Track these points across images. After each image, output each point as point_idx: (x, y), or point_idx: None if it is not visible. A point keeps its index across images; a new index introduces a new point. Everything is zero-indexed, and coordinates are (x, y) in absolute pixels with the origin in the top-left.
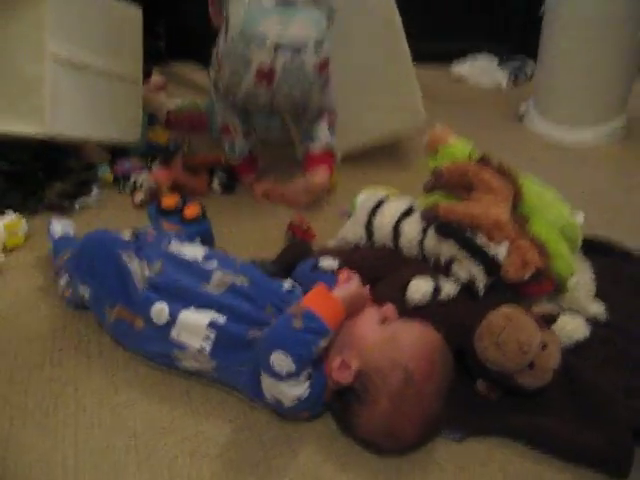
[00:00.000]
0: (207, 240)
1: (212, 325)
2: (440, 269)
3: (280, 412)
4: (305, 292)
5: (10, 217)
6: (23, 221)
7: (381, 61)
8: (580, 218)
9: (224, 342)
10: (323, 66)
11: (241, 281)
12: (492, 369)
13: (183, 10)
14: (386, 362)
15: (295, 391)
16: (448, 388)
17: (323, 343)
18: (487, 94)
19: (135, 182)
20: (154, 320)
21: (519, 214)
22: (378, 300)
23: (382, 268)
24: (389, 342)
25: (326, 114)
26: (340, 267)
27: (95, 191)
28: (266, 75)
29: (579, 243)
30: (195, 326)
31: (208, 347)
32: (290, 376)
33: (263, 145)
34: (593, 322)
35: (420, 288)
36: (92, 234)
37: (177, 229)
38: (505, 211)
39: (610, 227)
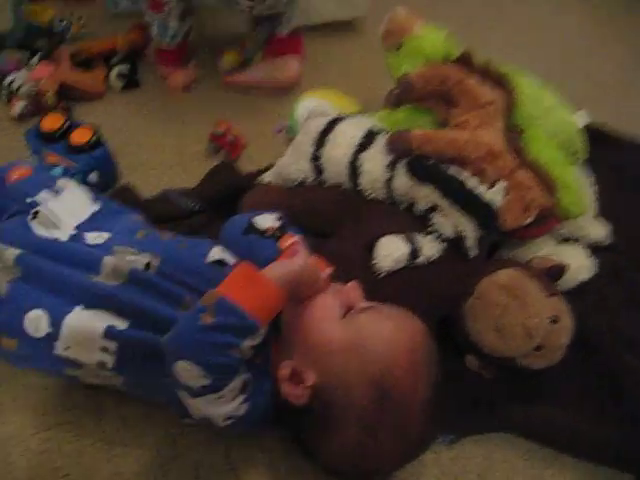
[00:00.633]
0: (105, 173)
1: (109, 334)
2: (417, 218)
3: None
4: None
5: None
6: None
7: None
8: (584, 119)
9: (130, 353)
10: None
11: (145, 263)
12: (489, 354)
13: None
14: (353, 375)
15: (221, 409)
16: (436, 396)
17: (248, 342)
18: None
19: (11, 84)
20: (30, 333)
21: (513, 127)
22: (334, 264)
23: (337, 218)
24: (355, 346)
25: None
26: (282, 226)
27: None
28: None
29: (583, 154)
30: (86, 336)
31: (110, 361)
32: (206, 391)
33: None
34: (595, 247)
35: (392, 251)
36: None
37: (64, 162)
38: (499, 134)
39: None
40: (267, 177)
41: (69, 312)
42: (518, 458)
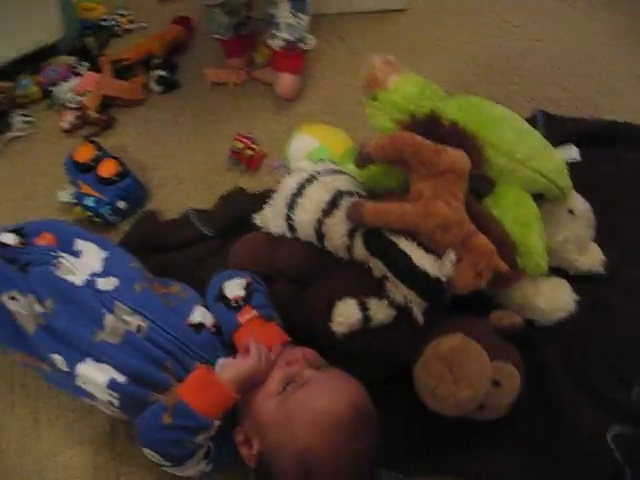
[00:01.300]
0: (133, 198)
1: (112, 385)
2: (376, 281)
3: None
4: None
5: None
6: None
7: None
8: (573, 154)
9: (129, 402)
10: None
11: (137, 326)
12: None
13: None
14: (282, 450)
15: (188, 472)
16: (371, 460)
17: (202, 436)
18: None
19: (61, 95)
20: (57, 365)
21: (484, 180)
22: (301, 314)
23: (309, 272)
24: (285, 423)
25: None
26: (248, 295)
27: (17, 118)
28: None
29: (565, 195)
30: (95, 384)
31: (116, 402)
32: (170, 467)
33: None
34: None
35: (346, 317)
36: None
37: (95, 193)
38: (456, 202)
39: None
40: (257, 220)
41: (81, 361)
42: None
